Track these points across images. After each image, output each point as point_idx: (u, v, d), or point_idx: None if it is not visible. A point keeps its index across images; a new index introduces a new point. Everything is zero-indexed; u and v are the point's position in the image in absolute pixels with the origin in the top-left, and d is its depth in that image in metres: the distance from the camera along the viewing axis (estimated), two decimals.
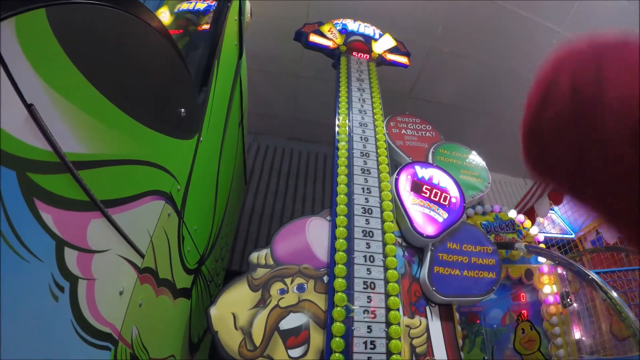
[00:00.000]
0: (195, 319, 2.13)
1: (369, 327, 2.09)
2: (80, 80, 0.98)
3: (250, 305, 2.05)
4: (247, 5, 3.07)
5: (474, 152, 3.38)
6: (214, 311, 1.94)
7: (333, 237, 2.41)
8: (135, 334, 1.30)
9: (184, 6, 2.60)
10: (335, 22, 3.95)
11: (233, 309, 1.99)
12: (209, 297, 2.46)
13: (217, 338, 1.88)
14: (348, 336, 2.03)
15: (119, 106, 1.15)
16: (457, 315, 2.51)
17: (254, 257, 2.27)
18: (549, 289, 2.84)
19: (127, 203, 1.25)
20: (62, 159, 0.91)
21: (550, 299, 2.81)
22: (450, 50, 5.22)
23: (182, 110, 1.69)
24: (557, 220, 5.22)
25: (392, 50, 3.99)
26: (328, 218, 2.54)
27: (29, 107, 0.81)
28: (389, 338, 2.07)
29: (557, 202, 4.21)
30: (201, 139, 1.99)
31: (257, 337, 1.94)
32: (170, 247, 1.65)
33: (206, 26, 2.42)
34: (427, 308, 2.42)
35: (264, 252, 2.31)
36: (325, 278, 2.26)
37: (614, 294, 1.87)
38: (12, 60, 0.77)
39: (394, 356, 2.01)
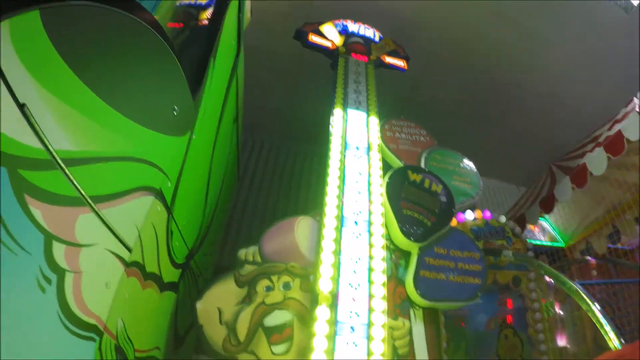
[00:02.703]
0: (182, 313, 2.17)
1: (352, 327, 2.12)
2: (72, 79, 1.01)
3: (236, 301, 2.08)
4: (247, 3, 3.09)
5: (466, 159, 3.41)
6: (200, 305, 1.97)
7: (320, 237, 2.44)
8: (120, 326, 1.33)
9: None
10: (336, 22, 3.95)
11: (219, 304, 2.03)
12: (196, 291, 2.49)
13: (202, 332, 1.92)
14: (331, 335, 2.06)
15: (110, 104, 1.18)
16: (442, 318, 2.55)
17: (241, 253, 2.30)
18: (535, 295, 2.89)
19: (116, 199, 1.28)
20: (52, 156, 0.94)
21: (537, 306, 2.86)
22: (447, 56, 5.26)
23: (175, 107, 1.72)
24: (548, 229, 5.27)
25: (390, 53, 4.01)
26: (317, 218, 2.57)
27: (22, 107, 0.84)
28: (370, 338, 2.10)
29: (548, 210, 4.25)
30: (193, 136, 2.02)
31: (242, 333, 1.97)
32: (158, 241, 1.68)
33: (206, 21, 2.44)
34: (411, 311, 2.46)
35: (253, 249, 2.34)
36: (312, 277, 2.29)
37: (597, 307, 1.91)
38: (5, 61, 0.80)
39: (376, 357, 2.05)
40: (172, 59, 1.55)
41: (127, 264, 1.34)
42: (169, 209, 1.79)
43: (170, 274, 1.89)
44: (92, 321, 1.14)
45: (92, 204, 1.11)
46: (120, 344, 1.34)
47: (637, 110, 3.36)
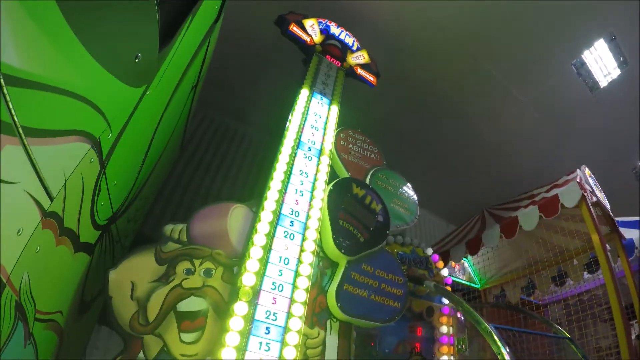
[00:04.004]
0: (92, 278, 1.96)
1: (267, 328, 2.06)
2: None
3: (152, 277, 1.93)
4: None
5: (409, 185, 3.49)
6: (113, 275, 1.80)
7: (253, 230, 2.35)
8: (25, 281, 1.15)
9: None
10: (320, 20, 3.92)
11: (133, 277, 1.86)
12: (112, 258, 2.28)
13: (111, 304, 1.75)
14: (245, 333, 1.98)
15: (74, 29, 1.02)
16: (354, 334, 2.55)
17: (168, 229, 2.15)
18: (446, 329, 3.00)
19: (49, 137, 1.11)
20: None
21: (445, 339, 2.97)
22: (409, 84, 5.39)
23: (139, 54, 1.55)
24: (468, 269, 5.54)
25: (363, 67, 4.04)
26: (254, 209, 2.48)
27: None
28: (284, 343, 2.05)
29: (473, 252, 4.47)
30: (149, 91, 1.84)
31: (152, 313, 1.82)
32: (83, 196, 1.49)
33: None
34: (328, 322, 2.44)
35: (180, 226, 2.19)
36: (236, 269, 2.19)
37: (506, 351, 2.00)
38: None
39: None
40: (153, 2, 1.40)
41: (45, 213, 1.16)
42: (102, 163, 1.61)
43: (88, 234, 1.69)
44: None
45: (23, 135, 0.94)
46: (21, 301, 1.15)
47: (578, 180, 3.65)
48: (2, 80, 0.82)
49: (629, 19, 4.81)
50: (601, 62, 5.35)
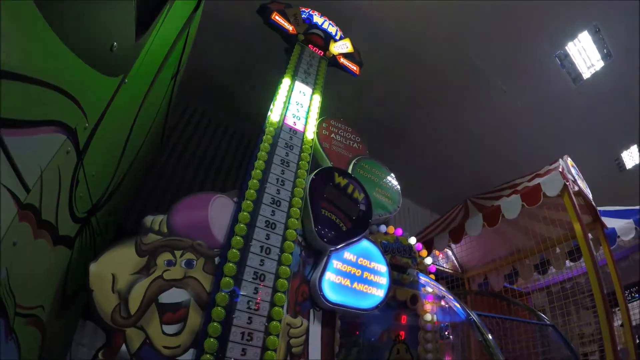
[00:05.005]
0: (74, 272, 1.93)
1: (249, 318, 2.07)
2: None
3: (133, 269, 1.91)
4: None
5: (392, 175, 3.53)
6: (94, 267, 1.78)
7: (234, 220, 2.35)
8: (3, 275, 1.13)
9: None
10: (303, 10, 3.90)
11: (114, 269, 1.84)
12: (92, 251, 2.24)
13: (92, 297, 1.73)
14: (227, 323, 1.98)
15: (46, 17, 0.99)
16: (338, 323, 2.58)
17: (148, 220, 2.12)
18: (430, 317, 3.05)
19: (24, 127, 1.08)
20: None
21: (429, 327, 3.02)
22: (397, 74, 5.40)
23: (115, 43, 1.52)
24: (451, 257, 5.63)
25: (346, 56, 4.03)
26: (235, 199, 2.47)
27: None
28: (267, 333, 2.07)
29: (456, 240, 4.54)
30: (126, 80, 1.81)
31: (134, 305, 1.81)
32: (60, 188, 1.46)
33: None
34: (312, 311, 2.47)
35: (160, 217, 2.17)
36: (217, 259, 2.19)
37: (490, 337, 2.04)
38: None
39: (269, 352, 2.01)
40: None
41: (22, 206, 1.13)
42: (80, 154, 1.58)
43: (67, 227, 1.66)
44: None
45: None
46: (1, 296, 1.13)
47: (560, 170, 3.73)
48: None
49: (613, 12, 4.91)
50: (585, 54, 5.46)
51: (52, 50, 1.09)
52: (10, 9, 0.86)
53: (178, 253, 2.10)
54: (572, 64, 5.55)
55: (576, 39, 5.26)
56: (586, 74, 5.70)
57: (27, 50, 0.98)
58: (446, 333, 3.08)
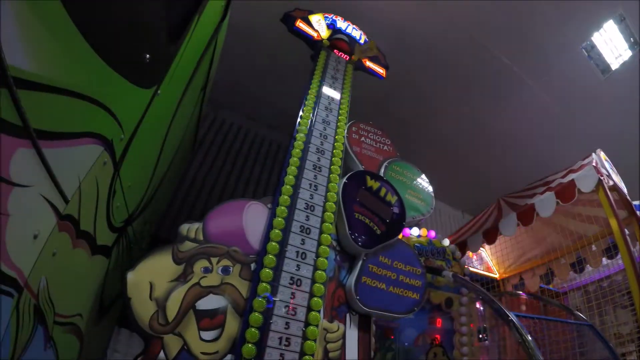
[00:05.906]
0: (111, 281, 1.97)
1: (287, 323, 2.05)
2: None
3: (170, 277, 1.93)
4: None
5: (424, 176, 3.45)
6: (131, 276, 1.80)
7: (269, 226, 2.34)
8: (43, 285, 1.16)
9: None
10: (326, 15, 3.90)
11: (151, 277, 1.86)
12: (129, 260, 2.29)
13: (130, 305, 1.75)
14: (264, 328, 1.97)
15: (82, 31, 1.02)
16: (373, 327, 2.54)
17: (184, 228, 2.14)
18: (465, 320, 2.96)
19: (62, 139, 1.11)
20: (3, 70, 0.77)
21: (465, 329, 2.93)
22: (422, 75, 5.33)
23: (147, 55, 1.55)
24: (485, 258, 5.47)
25: (372, 59, 4.00)
26: (269, 206, 2.47)
27: None
28: (305, 338, 2.04)
29: (490, 241, 4.41)
30: (159, 91, 1.84)
31: (171, 312, 1.83)
32: (98, 198, 1.50)
33: None
34: (348, 315, 2.43)
35: (196, 225, 2.19)
36: (253, 265, 2.19)
37: (529, 338, 1.96)
38: None
39: (307, 357, 1.99)
40: (160, 3, 1.39)
41: (61, 216, 1.16)
42: (116, 165, 1.61)
43: (104, 237, 1.70)
44: (13, 274, 0.96)
45: (35, 138, 0.94)
46: (40, 305, 1.16)
47: (594, 164, 3.56)
48: (13, 83, 0.82)
49: None
50: (611, 44, 5.22)
51: (87, 62, 1.12)
52: (45, 20, 0.88)
53: (214, 260, 2.11)
54: (600, 55, 5.30)
55: (602, 28, 5.03)
56: (614, 65, 5.44)
57: (62, 63, 1.00)
58: (483, 335, 2.98)
